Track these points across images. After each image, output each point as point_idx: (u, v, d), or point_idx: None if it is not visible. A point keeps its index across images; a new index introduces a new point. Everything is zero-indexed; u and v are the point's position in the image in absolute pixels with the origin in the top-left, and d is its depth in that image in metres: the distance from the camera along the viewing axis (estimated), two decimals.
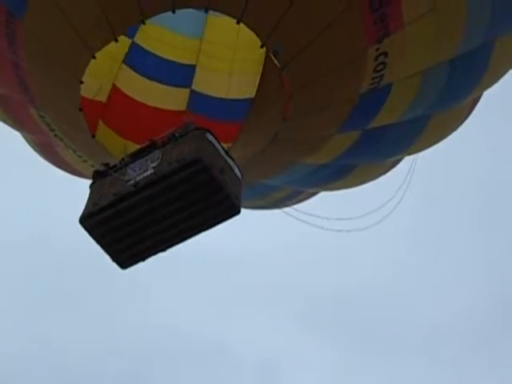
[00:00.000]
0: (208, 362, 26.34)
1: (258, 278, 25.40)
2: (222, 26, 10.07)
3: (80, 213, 8.94)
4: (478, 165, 25.70)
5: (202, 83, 11.15)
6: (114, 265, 9.28)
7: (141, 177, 8.65)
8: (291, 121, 9.77)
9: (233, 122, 10.58)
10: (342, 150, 10.68)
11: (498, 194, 25.78)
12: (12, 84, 10.13)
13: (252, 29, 8.84)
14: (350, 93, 9.51)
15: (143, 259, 9.25)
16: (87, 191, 9.28)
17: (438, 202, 25.71)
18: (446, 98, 10.15)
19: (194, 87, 11.19)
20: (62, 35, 8.94)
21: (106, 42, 9.08)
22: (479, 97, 11.25)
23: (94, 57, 9.12)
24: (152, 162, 8.74)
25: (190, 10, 8.96)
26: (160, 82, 11.04)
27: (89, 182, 9.48)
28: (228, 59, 10.88)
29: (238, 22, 8.74)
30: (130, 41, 10.62)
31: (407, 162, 12.14)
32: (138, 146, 9.58)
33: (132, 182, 8.66)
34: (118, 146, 10.34)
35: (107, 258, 9.17)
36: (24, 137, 12.20)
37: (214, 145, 8.82)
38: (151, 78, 11.00)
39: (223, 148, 9.05)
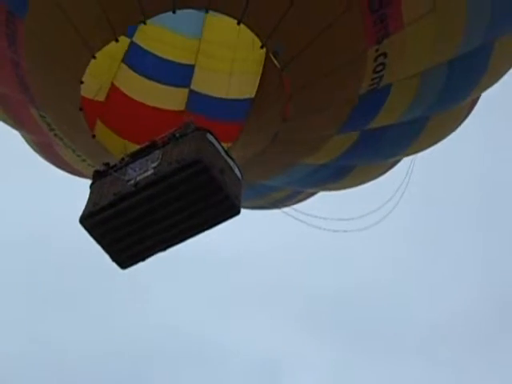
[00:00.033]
0: (208, 362, 26.39)
1: (257, 278, 25.44)
2: (221, 25, 10.01)
3: (80, 212, 8.94)
4: (476, 165, 25.74)
5: (201, 83, 11.14)
6: (114, 265, 9.27)
7: (141, 177, 8.65)
8: (291, 121, 9.78)
9: (232, 122, 10.57)
10: (341, 151, 10.70)
11: (497, 194, 25.82)
12: (12, 83, 10.14)
13: (252, 29, 8.85)
14: (350, 93, 9.52)
15: (143, 259, 9.25)
16: (87, 191, 9.28)
17: (436, 202, 25.73)
18: (444, 99, 10.16)
19: (192, 87, 11.17)
20: (63, 35, 8.96)
21: (107, 42, 9.09)
22: (478, 97, 11.26)
23: (94, 57, 9.13)
24: (152, 162, 8.74)
25: (190, 10, 8.99)
26: (159, 81, 11.02)
27: (88, 181, 9.49)
28: (227, 59, 10.86)
29: (238, 23, 8.74)
30: (128, 40, 10.58)
31: (406, 162, 12.17)
32: (136, 146, 9.59)
33: (132, 181, 8.66)
34: (117, 146, 10.34)
35: (107, 257, 9.17)
36: (23, 136, 12.21)
37: (214, 145, 8.82)
38: (150, 78, 10.97)
39: (223, 148, 9.05)
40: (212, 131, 8.94)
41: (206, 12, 8.93)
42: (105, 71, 10.38)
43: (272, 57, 9.15)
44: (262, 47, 9.03)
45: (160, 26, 10.21)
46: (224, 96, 10.98)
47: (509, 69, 10.70)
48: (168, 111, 11.12)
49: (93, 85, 10.02)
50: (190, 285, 25.60)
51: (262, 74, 9.97)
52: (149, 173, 8.63)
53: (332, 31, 8.65)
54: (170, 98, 11.12)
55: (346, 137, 10.41)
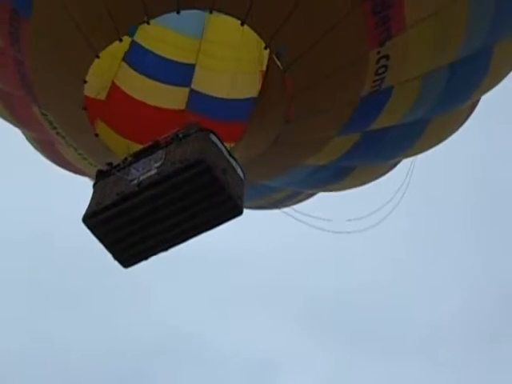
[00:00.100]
0: (208, 362, 26.41)
1: (257, 278, 25.44)
2: (223, 25, 10.06)
3: (82, 211, 8.97)
4: (476, 166, 25.74)
5: (202, 82, 11.17)
6: (117, 264, 9.31)
7: (144, 176, 8.67)
8: (293, 123, 9.80)
9: (232, 122, 10.60)
10: (342, 152, 10.72)
11: (497, 195, 25.83)
12: (14, 81, 10.14)
13: (255, 30, 8.85)
14: (352, 95, 9.54)
15: (145, 258, 9.29)
16: (90, 190, 9.31)
17: (436, 203, 25.74)
18: (445, 101, 10.17)
19: (193, 86, 11.22)
20: (67, 35, 8.97)
21: (110, 42, 9.10)
22: (478, 100, 11.29)
23: (98, 56, 9.15)
24: (155, 161, 8.76)
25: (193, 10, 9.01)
26: (159, 80, 11.06)
27: (90, 180, 9.52)
28: (228, 59, 10.90)
29: (242, 24, 8.74)
30: (129, 39, 10.62)
31: (406, 163, 12.19)
32: (137, 145, 9.63)
33: (135, 181, 8.68)
34: (118, 144, 10.37)
35: (109, 256, 9.21)
36: (24, 134, 12.22)
37: (217, 145, 8.84)
38: (150, 77, 11.01)
39: (226, 149, 9.08)
40: (215, 131, 8.97)
41: (210, 12, 8.92)
42: (106, 70, 10.41)
43: (275, 58, 9.16)
44: (265, 48, 9.03)
45: (161, 25, 10.24)
46: (225, 96, 11.02)
47: (509, 72, 10.72)
48: (168, 110, 11.15)
49: (94, 83, 10.03)
50: (190, 284, 25.66)
51: (265, 75, 10.00)
52: (152, 172, 8.64)
53: (335, 33, 8.65)
54: (171, 98, 11.15)
55: (347, 138, 10.43)
